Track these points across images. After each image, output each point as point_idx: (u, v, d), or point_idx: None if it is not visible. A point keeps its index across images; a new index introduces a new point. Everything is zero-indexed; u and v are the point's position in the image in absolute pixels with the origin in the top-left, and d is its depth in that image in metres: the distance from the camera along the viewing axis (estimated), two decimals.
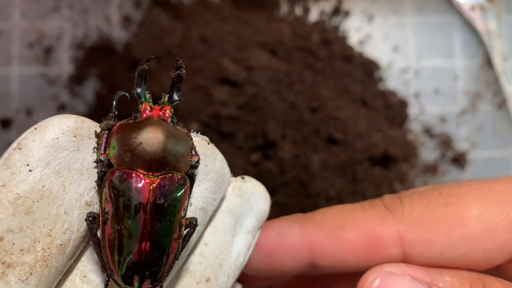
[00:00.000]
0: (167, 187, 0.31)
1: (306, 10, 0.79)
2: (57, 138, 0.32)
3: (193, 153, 0.32)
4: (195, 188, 0.34)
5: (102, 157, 0.31)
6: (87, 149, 0.32)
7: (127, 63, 0.73)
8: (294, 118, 0.71)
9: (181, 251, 0.32)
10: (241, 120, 0.70)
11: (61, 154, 0.32)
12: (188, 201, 0.33)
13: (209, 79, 0.71)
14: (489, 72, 0.76)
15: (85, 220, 0.31)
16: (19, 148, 0.31)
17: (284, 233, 0.39)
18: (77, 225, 0.31)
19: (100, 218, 0.31)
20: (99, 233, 0.32)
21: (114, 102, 0.33)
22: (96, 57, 0.75)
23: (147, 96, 0.33)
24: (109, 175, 0.31)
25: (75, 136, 0.32)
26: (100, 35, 0.76)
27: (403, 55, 0.78)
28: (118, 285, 0.31)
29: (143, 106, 0.32)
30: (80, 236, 0.32)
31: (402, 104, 0.75)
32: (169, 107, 0.33)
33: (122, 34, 0.76)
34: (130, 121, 0.32)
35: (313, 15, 0.79)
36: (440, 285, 0.35)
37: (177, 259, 0.32)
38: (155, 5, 0.77)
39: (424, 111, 0.76)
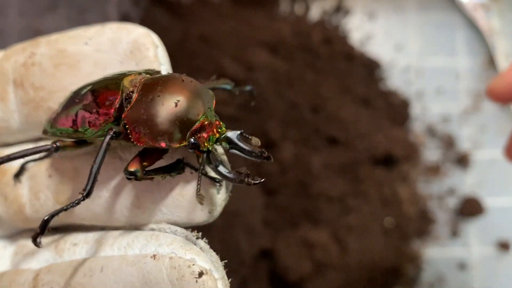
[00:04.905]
0: None
1: (307, 9, 0.78)
2: (120, 41, 0.33)
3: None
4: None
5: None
6: (127, 69, 0.33)
7: None
8: (295, 118, 0.70)
9: None
10: (241, 120, 0.70)
11: (110, 55, 0.33)
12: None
13: (208, 78, 0.70)
14: (492, 71, 0.76)
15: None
16: (102, 25, 0.34)
17: None
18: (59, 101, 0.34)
19: None
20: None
21: None
22: None
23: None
24: None
25: (131, 52, 0.33)
26: None
27: (405, 54, 0.77)
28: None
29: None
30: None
31: (404, 104, 0.75)
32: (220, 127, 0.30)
33: None
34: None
35: (314, 14, 0.78)
36: None
37: None
38: (154, 3, 0.76)
39: (426, 110, 0.75)
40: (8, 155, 0.32)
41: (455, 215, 0.72)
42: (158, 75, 0.31)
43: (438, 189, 0.73)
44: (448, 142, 0.74)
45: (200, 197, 0.29)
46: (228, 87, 0.35)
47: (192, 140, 0.29)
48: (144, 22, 0.75)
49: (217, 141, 0.30)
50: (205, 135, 0.29)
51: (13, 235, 0.37)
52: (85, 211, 0.34)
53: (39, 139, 0.37)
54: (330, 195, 0.68)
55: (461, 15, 0.77)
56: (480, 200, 0.72)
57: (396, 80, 0.76)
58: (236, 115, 0.69)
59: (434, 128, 0.75)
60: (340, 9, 0.78)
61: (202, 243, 0.31)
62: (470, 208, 0.72)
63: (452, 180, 0.73)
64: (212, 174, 0.30)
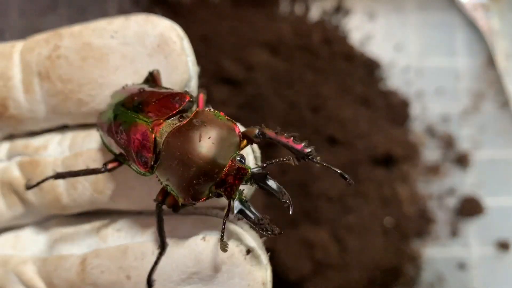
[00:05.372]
0: None
1: (307, 9, 0.78)
2: (147, 34, 0.34)
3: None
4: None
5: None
6: (156, 62, 0.34)
7: None
8: (295, 118, 0.70)
9: None
10: (241, 120, 0.70)
11: (137, 48, 0.34)
12: None
13: (209, 78, 0.71)
14: (492, 71, 0.76)
15: None
16: (125, 18, 0.34)
17: None
18: (91, 99, 0.35)
19: None
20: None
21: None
22: None
23: None
24: None
25: (158, 46, 0.34)
26: None
27: (405, 54, 0.77)
28: None
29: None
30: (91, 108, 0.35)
31: (404, 104, 0.75)
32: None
33: None
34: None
35: (314, 14, 0.78)
36: None
37: None
38: (154, 3, 0.76)
39: (426, 110, 0.75)
40: (60, 173, 0.34)
41: (455, 215, 0.72)
42: (182, 126, 0.30)
43: (438, 189, 0.73)
44: (448, 142, 0.74)
45: (223, 244, 0.29)
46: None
47: (215, 193, 0.30)
48: None
49: (243, 182, 0.30)
50: (227, 189, 0.29)
51: (43, 221, 0.39)
52: (126, 199, 0.35)
53: (64, 127, 0.38)
54: (330, 195, 0.68)
55: (461, 15, 0.77)
56: (479, 200, 0.72)
57: (396, 80, 0.76)
58: (236, 115, 0.69)
59: (434, 128, 0.75)
60: (340, 9, 0.78)
61: (243, 224, 0.33)
62: (470, 208, 0.72)
63: (451, 180, 0.73)
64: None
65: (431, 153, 0.74)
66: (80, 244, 0.36)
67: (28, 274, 0.36)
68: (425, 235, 0.71)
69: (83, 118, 0.36)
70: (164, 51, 0.34)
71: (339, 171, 0.33)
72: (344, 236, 0.67)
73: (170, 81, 0.35)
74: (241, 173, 0.29)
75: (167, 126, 0.30)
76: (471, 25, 0.77)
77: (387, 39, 0.77)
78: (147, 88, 0.33)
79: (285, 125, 0.70)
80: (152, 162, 0.31)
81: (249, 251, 0.32)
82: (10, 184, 0.37)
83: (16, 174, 0.37)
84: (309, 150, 0.32)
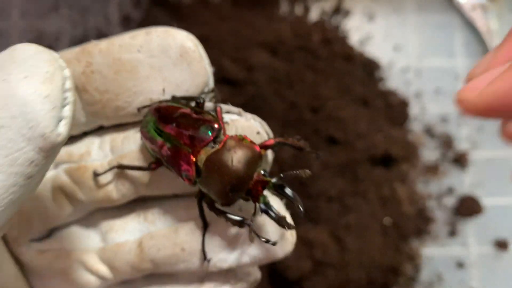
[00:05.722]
0: None
1: (307, 10, 0.78)
2: (170, 46, 0.38)
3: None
4: None
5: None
6: (180, 70, 0.38)
7: None
8: (294, 118, 0.70)
9: None
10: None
11: (163, 59, 0.38)
12: None
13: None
14: None
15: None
16: (145, 32, 0.38)
17: None
18: (127, 104, 0.39)
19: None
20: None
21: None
22: None
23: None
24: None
25: (181, 56, 0.38)
26: (99, 34, 0.75)
27: (404, 55, 0.77)
28: None
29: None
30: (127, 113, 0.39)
31: (403, 104, 0.75)
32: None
33: None
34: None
35: (314, 15, 0.78)
36: None
37: None
38: (155, 4, 0.76)
39: (425, 111, 0.76)
40: (121, 165, 0.40)
41: (454, 214, 0.73)
42: (216, 152, 0.37)
43: (437, 189, 0.74)
44: (447, 142, 0.75)
45: (251, 237, 0.37)
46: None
47: (245, 198, 0.37)
48: (145, 23, 0.76)
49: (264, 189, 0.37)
50: (254, 195, 0.37)
51: (85, 217, 0.43)
52: (169, 187, 0.40)
53: (100, 128, 0.42)
54: (330, 195, 0.69)
55: (460, 16, 0.78)
56: (478, 200, 0.73)
57: (395, 80, 0.76)
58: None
59: (433, 128, 0.75)
60: (340, 10, 0.78)
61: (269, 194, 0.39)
62: (468, 207, 0.72)
63: (450, 180, 0.74)
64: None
65: (430, 153, 0.75)
66: (132, 231, 0.41)
67: (91, 261, 0.41)
68: (424, 235, 0.72)
69: (120, 120, 0.41)
70: (186, 60, 0.38)
71: (314, 151, 0.41)
72: (344, 236, 0.68)
73: (195, 84, 0.39)
74: (264, 184, 0.37)
75: (204, 153, 0.37)
76: (470, 25, 0.77)
77: (386, 40, 0.78)
78: (180, 111, 0.39)
79: (285, 125, 0.70)
80: (194, 179, 0.37)
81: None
82: (60, 189, 0.41)
83: (65, 179, 0.41)
84: (305, 145, 0.41)
